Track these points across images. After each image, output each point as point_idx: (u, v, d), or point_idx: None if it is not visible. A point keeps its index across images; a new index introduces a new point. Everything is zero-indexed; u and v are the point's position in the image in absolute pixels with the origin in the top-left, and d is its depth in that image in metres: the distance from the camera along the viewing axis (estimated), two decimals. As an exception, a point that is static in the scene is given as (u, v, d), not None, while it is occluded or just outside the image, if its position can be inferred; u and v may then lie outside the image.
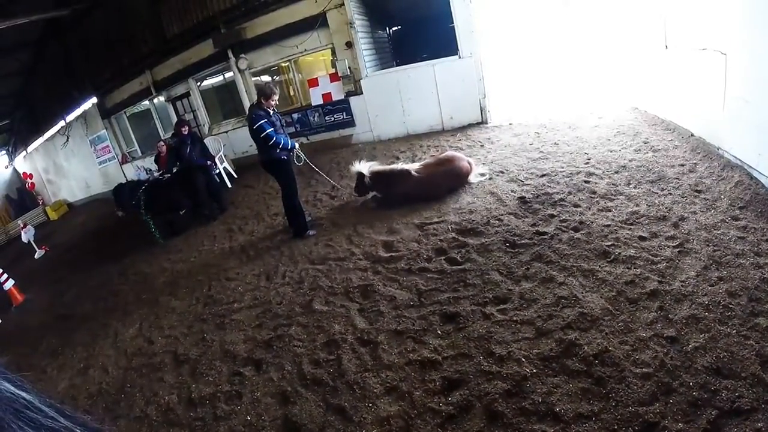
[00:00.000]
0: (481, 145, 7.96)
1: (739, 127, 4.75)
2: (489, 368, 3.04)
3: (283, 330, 4.23)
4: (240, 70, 11.09)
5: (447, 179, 6.08)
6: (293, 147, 5.87)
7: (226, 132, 12.08)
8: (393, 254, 4.95)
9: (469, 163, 6.25)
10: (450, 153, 6.50)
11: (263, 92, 5.61)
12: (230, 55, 10.96)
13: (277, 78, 12.83)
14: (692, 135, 5.90)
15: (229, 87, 12.34)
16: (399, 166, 6.43)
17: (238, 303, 5.06)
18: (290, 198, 6.05)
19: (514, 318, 3.45)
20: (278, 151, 5.70)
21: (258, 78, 11.77)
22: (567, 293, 3.55)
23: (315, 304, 4.50)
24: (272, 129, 5.58)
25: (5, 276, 8.25)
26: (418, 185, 6.03)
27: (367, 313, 4.11)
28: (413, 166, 6.23)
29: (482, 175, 6.37)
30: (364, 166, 6.42)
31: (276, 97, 5.71)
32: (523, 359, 3.03)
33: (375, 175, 6.36)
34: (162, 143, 10.57)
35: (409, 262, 4.69)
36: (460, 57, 9.18)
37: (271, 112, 5.71)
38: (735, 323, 2.88)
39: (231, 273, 5.86)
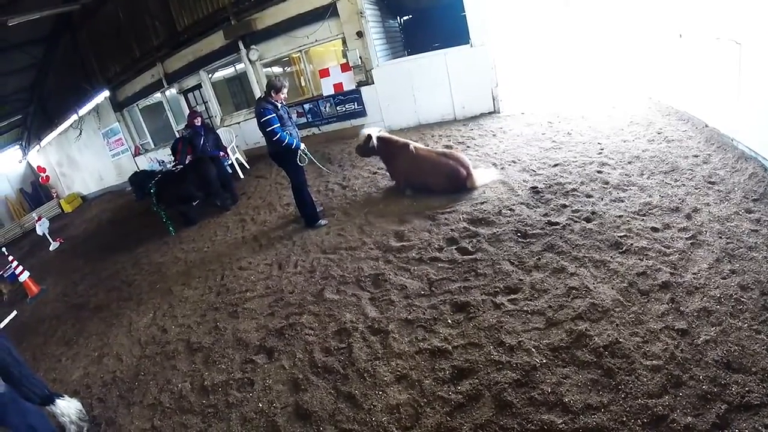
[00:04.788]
0: (493, 135, 7.92)
1: (753, 118, 4.68)
2: (499, 358, 3.05)
3: (294, 318, 4.27)
4: (251, 62, 11.11)
5: (436, 170, 5.88)
6: (298, 147, 5.80)
7: (238, 123, 12.15)
8: (404, 244, 4.95)
9: (467, 170, 5.80)
10: (457, 154, 6.18)
11: (273, 86, 5.56)
12: (241, 46, 10.98)
13: (288, 69, 12.84)
14: (706, 126, 5.82)
15: (241, 78, 12.42)
16: (403, 140, 6.45)
17: (250, 292, 5.11)
18: (299, 189, 6.05)
19: (525, 308, 3.46)
20: (284, 144, 5.68)
21: (269, 69, 11.79)
22: (578, 284, 3.54)
23: (326, 293, 4.53)
24: (279, 124, 5.56)
25: (21, 268, 8.39)
26: (412, 164, 6.06)
27: (378, 302, 4.13)
28: (415, 144, 6.30)
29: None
30: (374, 130, 6.53)
31: (286, 91, 5.69)
32: (533, 349, 3.03)
33: (381, 140, 6.47)
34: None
35: (420, 252, 4.69)
36: (471, 46, 9.10)
37: (280, 105, 5.68)
38: (747, 317, 2.86)
39: (243, 262, 5.91)
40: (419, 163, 6.03)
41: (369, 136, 6.46)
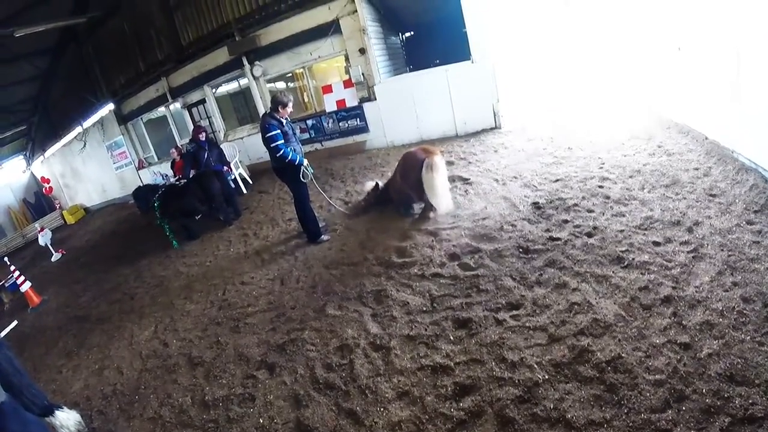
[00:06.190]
0: (495, 151, 7.95)
1: (753, 130, 4.70)
2: (501, 374, 3.03)
3: (296, 334, 4.25)
4: (255, 77, 11.22)
5: (403, 165, 5.94)
6: (301, 163, 5.82)
7: (241, 138, 12.24)
8: (406, 259, 4.95)
9: (426, 150, 5.68)
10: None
11: (279, 101, 5.59)
12: (245, 62, 11.11)
13: (292, 85, 12.95)
14: (706, 138, 5.84)
15: (244, 93, 12.50)
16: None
17: (252, 307, 5.10)
18: (302, 204, 6.08)
19: (527, 324, 3.44)
20: (288, 159, 5.69)
21: (273, 85, 11.89)
22: (580, 299, 3.54)
23: (328, 308, 4.52)
24: (282, 141, 5.59)
25: (22, 278, 8.40)
26: (396, 176, 6.16)
27: (379, 318, 4.12)
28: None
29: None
30: (378, 180, 6.78)
31: (291, 106, 5.72)
32: (536, 365, 3.02)
33: (386, 184, 6.66)
34: (174, 150, 10.77)
35: (422, 268, 4.69)
36: (472, 62, 9.17)
37: (284, 121, 5.72)
38: (749, 329, 2.85)
39: (246, 277, 5.91)
40: (398, 172, 6.10)
41: (377, 184, 6.75)
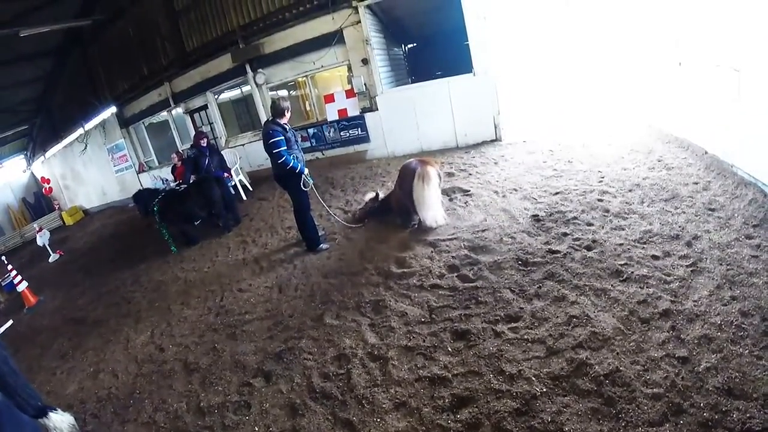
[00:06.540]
0: (495, 163, 7.97)
1: (752, 145, 4.72)
2: (499, 386, 3.02)
3: (293, 342, 4.24)
4: (257, 85, 11.26)
5: (401, 176, 5.98)
6: (302, 171, 5.81)
7: (243, 145, 12.25)
8: (405, 270, 4.94)
9: (421, 162, 5.74)
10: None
11: (284, 107, 5.61)
12: (248, 69, 11.15)
13: (294, 93, 13.00)
14: (706, 152, 5.86)
15: (247, 100, 12.56)
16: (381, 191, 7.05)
17: (249, 314, 5.09)
18: (302, 212, 6.07)
19: (525, 336, 3.44)
20: (289, 167, 5.69)
21: (275, 93, 11.93)
22: (579, 312, 3.53)
23: (326, 317, 4.50)
24: (285, 147, 5.59)
25: (19, 278, 8.39)
26: (397, 188, 6.20)
27: (378, 328, 4.10)
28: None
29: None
30: (378, 193, 6.84)
31: (290, 110, 5.74)
32: (534, 378, 3.01)
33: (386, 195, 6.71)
34: (175, 155, 10.81)
35: (421, 278, 4.68)
36: (474, 74, 9.23)
37: (288, 128, 5.73)
38: (747, 343, 2.85)
39: (244, 284, 5.91)
40: (397, 182, 6.14)
41: (377, 194, 6.82)
